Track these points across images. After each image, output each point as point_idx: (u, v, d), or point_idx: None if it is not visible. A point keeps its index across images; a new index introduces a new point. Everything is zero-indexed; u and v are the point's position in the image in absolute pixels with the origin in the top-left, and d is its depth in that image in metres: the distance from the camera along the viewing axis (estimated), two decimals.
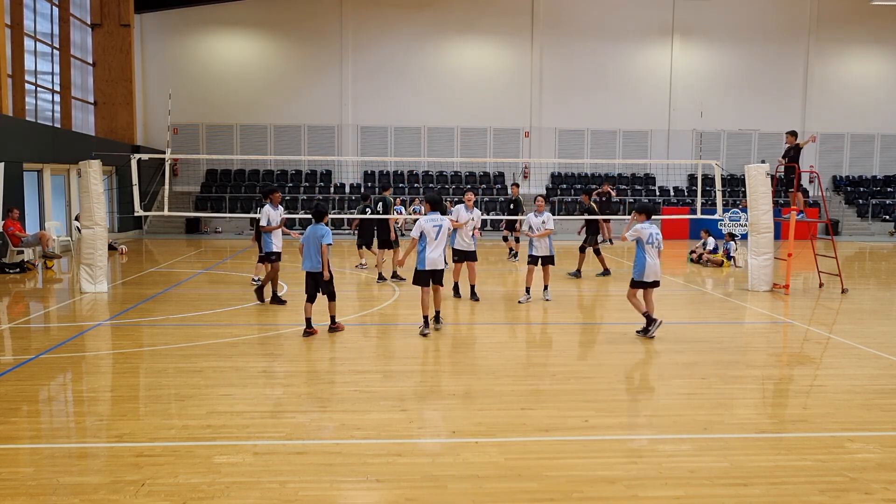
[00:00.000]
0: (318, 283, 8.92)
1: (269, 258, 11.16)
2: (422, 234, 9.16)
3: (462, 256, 11.81)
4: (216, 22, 29.22)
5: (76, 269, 13.32)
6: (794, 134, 13.77)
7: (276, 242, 11.12)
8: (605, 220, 23.38)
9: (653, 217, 9.22)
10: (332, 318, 9.21)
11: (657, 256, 9.00)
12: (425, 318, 9.22)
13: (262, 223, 11.13)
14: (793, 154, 13.55)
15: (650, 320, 9.01)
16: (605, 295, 13.61)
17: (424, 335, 9.11)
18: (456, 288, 12.23)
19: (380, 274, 14.06)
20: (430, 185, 28.72)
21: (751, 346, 9.09)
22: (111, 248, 18.06)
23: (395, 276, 14.03)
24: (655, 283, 9.04)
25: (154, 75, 28.90)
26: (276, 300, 11.30)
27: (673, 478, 4.84)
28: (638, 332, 9.18)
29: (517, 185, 18.89)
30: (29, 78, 21.31)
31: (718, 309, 11.60)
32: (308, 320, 9.02)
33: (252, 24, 29.36)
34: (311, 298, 9.01)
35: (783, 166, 13.88)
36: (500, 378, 7.23)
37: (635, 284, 9.02)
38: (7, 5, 19.50)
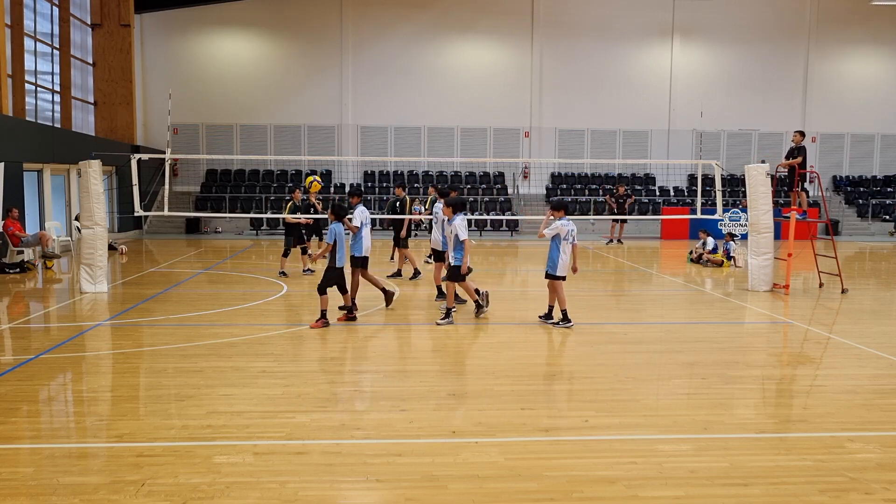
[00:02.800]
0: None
1: (362, 262, 11.03)
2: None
3: (440, 256, 11.53)
4: (216, 22, 29.22)
5: (76, 269, 13.32)
6: (801, 133, 13.77)
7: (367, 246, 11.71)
8: (623, 221, 23.46)
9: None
10: (348, 307, 10.04)
11: (570, 251, 9.68)
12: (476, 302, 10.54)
13: (356, 223, 10.87)
14: (797, 154, 13.57)
15: (551, 312, 9.97)
16: (606, 295, 13.62)
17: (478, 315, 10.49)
18: (440, 290, 11.73)
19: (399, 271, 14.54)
20: (430, 184, 28.67)
21: (751, 346, 9.09)
22: (111, 248, 18.06)
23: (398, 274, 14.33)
24: (563, 278, 9.74)
25: (154, 75, 28.90)
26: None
27: (673, 478, 4.84)
28: (552, 322, 9.88)
29: (402, 187, 15.96)
30: (29, 78, 21.30)
31: (718, 309, 11.60)
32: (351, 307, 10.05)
33: (252, 24, 29.36)
34: (343, 289, 9.94)
35: (787, 167, 13.89)
36: (500, 378, 7.23)
37: (558, 278, 9.65)
38: (7, 5, 19.49)
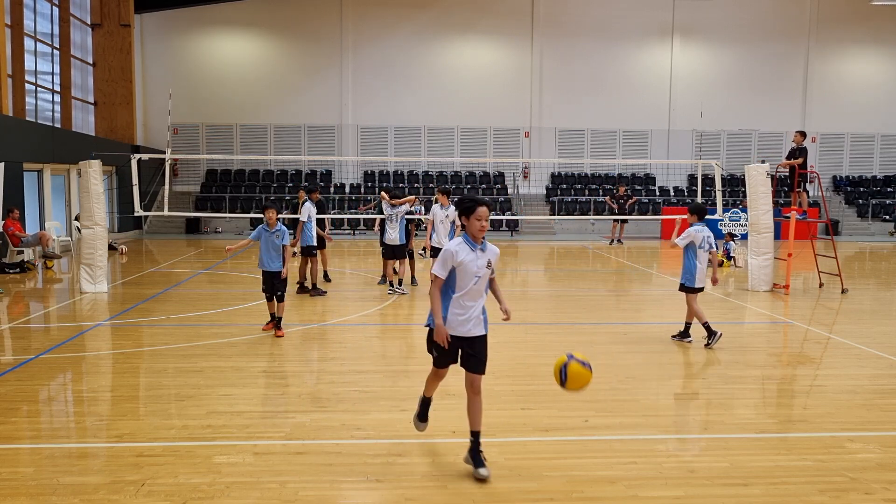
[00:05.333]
0: (274, 283, 9.06)
1: (310, 251, 12.09)
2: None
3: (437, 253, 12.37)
4: (216, 22, 29.21)
5: (76, 269, 13.33)
6: (802, 133, 13.78)
7: (314, 236, 12.15)
8: (623, 221, 23.49)
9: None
10: (279, 318, 9.16)
11: (706, 260, 8.76)
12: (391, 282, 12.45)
13: (303, 219, 11.99)
14: (798, 154, 13.58)
15: (687, 330, 8.86)
16: (606, 295, 13.61)
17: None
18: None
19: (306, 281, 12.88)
20: (431, 184, 28.70)
21: (751, 346, 9.08)
22: (111, 248, 18.06)
23: (304, 287, 12.59)
24: (701, 288, 8.80)
25: (154, 75, 28.90)
26: (317, 291, 12.20)
27: (673, 478, 4.84)
28: (684, 338, 8.92)
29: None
30: (29, 78, 21.30)
31: (718, 309, 11.59)
32: (272, 315, 9.23)
33: (252, 24, 29.36)
34: (270, 297, 9.15)
35: (787, 167, 13.91)
36: (500, 378, 7.23)
37: (693, 290, 8.72)
38: (7, 5, 19.49)
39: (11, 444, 5.40)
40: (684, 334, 8.92)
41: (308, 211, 12.07)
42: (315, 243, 12.19)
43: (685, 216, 9.02)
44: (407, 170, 29.81)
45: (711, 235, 8.78)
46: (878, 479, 4.86)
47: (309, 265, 12.32)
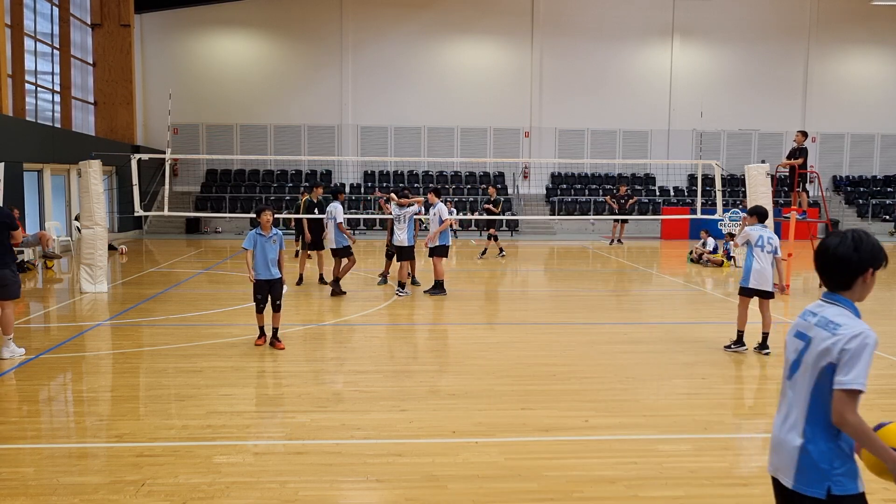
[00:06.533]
0: (273, 292, 8.50)
1: (348, 252, 12.37)
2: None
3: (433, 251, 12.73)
4: (216, 22, 29.21)
5: (76, 269, 13.33)
6: (804, 133, 13.79)
7: (347, 237, 12.49)
8: (624, 221, 23.47)
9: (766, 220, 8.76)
10: (275, 329, 8.58)
11: (768, 261, 8.35)
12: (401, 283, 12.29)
13: (339, 219, 12.33)
14: (798, 154, 13.59)
15: (765, 340, 8.38)
16: (606, 295, 13.61)
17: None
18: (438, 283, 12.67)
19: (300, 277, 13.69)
20: (430, 184, 28.70)
21: (751, 346, 9.08)
22: (111, 248, 18.05)
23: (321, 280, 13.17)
24: (765, 293, 8.36)
25: (154, 75, 28.90)
26: (338, 288, 12.35)
27: (673, 478, 4.84)
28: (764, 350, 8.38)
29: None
30: (29, 78, 21.30)
31: (718, 309, 11.60)
32: (261, 329, 8.65)
33: (252, 24, 29.36)
34: (263, 308, 8.56)
35: (788, 167, 13.92)
36: (500, 378, 7.23)
37: (742, 291, 8.51)
38: (7, 5, 19.49)
39: (11, 444, 5.40)
40: (763, 345, 8.42)
41: (340, 213, 12.37)
42: (350, 243, 12.46)
43: (745, 215, 9.05)
44: (407, 170, 29.81)
45: (775, 238, 8.47)
46: (877, 478, 4.85)
47: (341, 265, 12.49)
